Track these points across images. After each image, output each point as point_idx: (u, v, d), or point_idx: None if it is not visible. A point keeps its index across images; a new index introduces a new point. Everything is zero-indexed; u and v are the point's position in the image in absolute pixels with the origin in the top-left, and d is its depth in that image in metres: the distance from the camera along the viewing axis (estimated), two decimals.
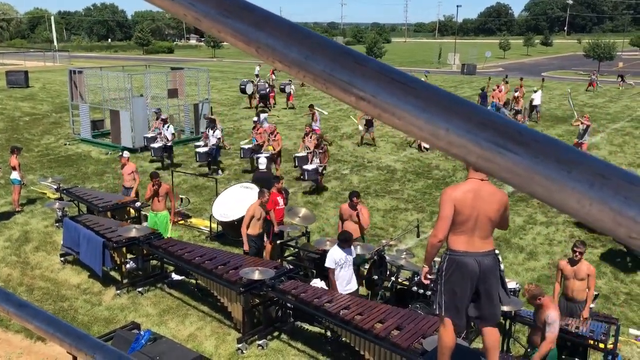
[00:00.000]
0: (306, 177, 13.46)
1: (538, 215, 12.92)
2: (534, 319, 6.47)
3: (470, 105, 0.47)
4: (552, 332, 5.98)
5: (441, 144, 0.46)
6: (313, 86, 0.54)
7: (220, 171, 15.94)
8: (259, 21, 0.54)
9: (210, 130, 15.95)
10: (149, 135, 17.39)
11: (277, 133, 15.20)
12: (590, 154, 0.43)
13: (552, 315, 5.98)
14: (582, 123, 16.61)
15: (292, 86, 28.52)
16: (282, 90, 28.15)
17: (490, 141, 0.44)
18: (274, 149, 14.70)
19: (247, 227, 9.05)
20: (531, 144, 0.43)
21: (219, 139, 15.89)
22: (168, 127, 16.73)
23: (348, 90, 0.51)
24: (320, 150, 14.07)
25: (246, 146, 15.06)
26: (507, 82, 29.42)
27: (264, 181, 11.33)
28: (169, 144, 16.51)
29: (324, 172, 14.36)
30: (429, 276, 4.95)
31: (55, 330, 1.17)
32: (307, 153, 14.26)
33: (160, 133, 16.87)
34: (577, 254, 7.14)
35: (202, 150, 15.57)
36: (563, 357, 6.77)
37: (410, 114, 0.48)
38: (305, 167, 13.69)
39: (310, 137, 14.56)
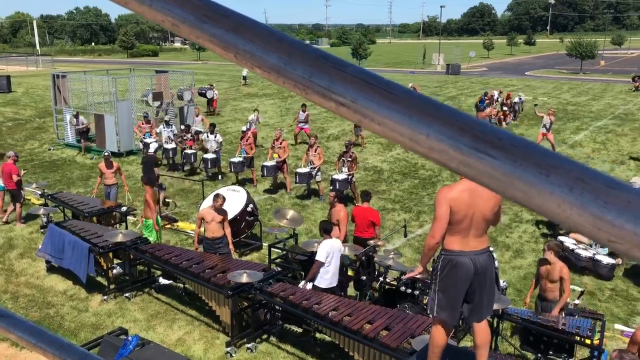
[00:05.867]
0: (338, 187, 12.60)
1: (524, 213, 13.02)
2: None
3: (451, 111, 0.46)
4: None
5: (422, 150, 0.46)
6: (293, 92, 0.54)
7: (220, 176, 15.71)
8: (237, 26, 0.53)
9: (210, 135, 15.84)
10: (148, 140, 16.94)
11: (284, 140, 14.67)
12: (569, 157, 0.43)
13: None
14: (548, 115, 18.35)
15: (215, 91, 26.72)
16: (202, 95, 25.21)
17: (470, 146, 0.44)
18: (280, 157, 14.20)
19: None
20: (510, 149, 0.43)
21: (220, 143, 15.87)
22: (172, 128, 17.18)
23: (327, 96, 0.50)
24: (349, 158, 13.31)
25: (236, 159, 14.71)
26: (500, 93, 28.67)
27: (149, 163, 11.82)
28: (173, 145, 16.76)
29: (353, 180, 13.57)
30: (419, 276, 4.94)
31: (38, 340, 1.15)
32: (311, 169, 13.59)
33: (151, 136, 17.04)
34: (546, 254, 7.15)
35: (209, 156, 15.37)
36: (550, 353, 6.83)
37: (391, 120, 0.47)
38: (335, 177, 13.00)
39: (316, 151, 13.78)
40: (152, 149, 12.76)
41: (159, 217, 10.43)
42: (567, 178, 0.41)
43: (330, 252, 7.72)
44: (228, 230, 9.19)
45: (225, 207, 10.64)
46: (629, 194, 0.40)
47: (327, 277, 7.79)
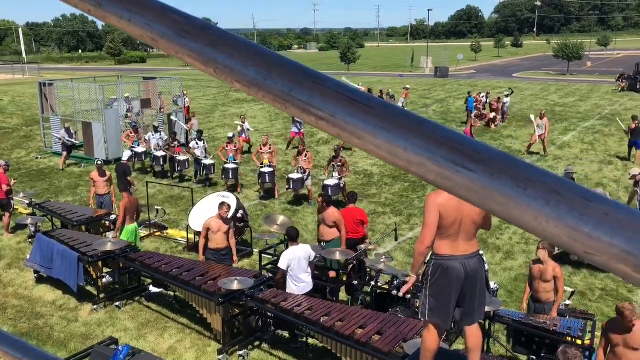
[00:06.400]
0: (331, 193, 12.41)
1: None
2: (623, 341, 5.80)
3: (428, 123, 0.47)
4: None
5: (400, 163, 0.46)
6: (273, 106, 0.54)
7: (208, 182, 15.65)
8: (216, 41, 0.53)
9: (198, 141, 15.82)
10: (139, 149, 16.75)
11: (272, 145, 14.69)
12: (546, 169, 0.44)
13: None
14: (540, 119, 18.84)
15: (186, 99, 24.11)
16: (175, 103, 23.66)
17: (448, 160, 0.44)
18: (270, 162, 14.25)
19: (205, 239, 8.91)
20: (487, 162, 0.43)
21: (206, 149, 15.88)
22: (160, 135, 17.16)
23: (307, 110, 0.50)
24: (339, 163, 13.25)
25: (232, 166, 14.72)
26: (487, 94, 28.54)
27: (121, 171, 12.25)
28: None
29: (344, 185, 13.53)
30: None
31: (23, 355, 1.13)
32: (302, 174, 13.53)
33: (140, 144, 16.85)
34: (540, 253, 7.19)
35: (208, 162, 15.40)
36: (542, 355, 6.86)
37: (369, 133, 0.48)
38: (326, 182, 12.96)
39: (305, 156, 13.75)
40: (125, 157, 13.00)
41: (131, 225, 10.08)
42: (543, 191, 0.41)
43: (292, 259, 7.73)
44: (233, 241, 9.06)
45: (213, 213, 10.58)
46: (607, 206, 0.40)
47: (296, 284, 7.79)
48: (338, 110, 0.49)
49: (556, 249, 7.37)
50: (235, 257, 9.11)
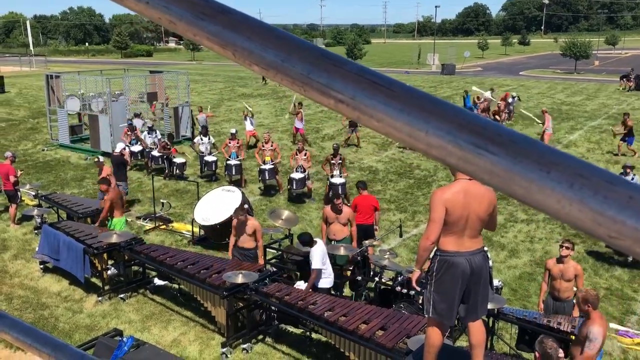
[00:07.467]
0: (340, 192, 12.38)
1: (519, 213, 13.05)
2: (577, 331, 6.15)
3: (450, 107, 0.46)
4: (590, 350, 5.54)
5: (421, 146, 0.46)
6: (291, 89, 0.54)
7: (213, 177, 15.68)
8: (236, 24, 0.53)
9: (203, 137, 15.84)
10: (136, 148, 16.54)
11: (274, 142, 14.64)
12: (568, 153, 0.43)
13: (595, 331, 5.57)
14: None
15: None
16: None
17: (469, 143, 0.43)
18: (272, 160, 14.23)
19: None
20: (510, 145, 0.43)
21: (213, 144, 15.88)
22: (156, 134, 17.11)
23: (326, 93, 0.50)
24: (340, 161, 13.23)
25: (234, 162, 14.75)
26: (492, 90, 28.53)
27: (117, 163, 12.63)
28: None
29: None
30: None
31: (33, 341, 1.14)
32: (303, 173, 13.48)
33: (138, 142, 16.66)
34: (564, 252, 7.17)
35: (210, 159, 15.44)
36: None
37: (390, 116, 0.47)
38: (333, 180, 12.86)
39: (305, 155, 13.73)
40: (118, 149, 13.13)
41: (115, 219, 9.97)
42: (567, 174, 0.41)
43: (322, 255, 7.89)
44: (260, 243, 8.89)
45: (218, 208, 10.60)
46: (631, 189, 0.40)
47: (327, 279, 7.99)
48: (358, 93, 0.48)
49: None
50: (260, 260, 8.83)
